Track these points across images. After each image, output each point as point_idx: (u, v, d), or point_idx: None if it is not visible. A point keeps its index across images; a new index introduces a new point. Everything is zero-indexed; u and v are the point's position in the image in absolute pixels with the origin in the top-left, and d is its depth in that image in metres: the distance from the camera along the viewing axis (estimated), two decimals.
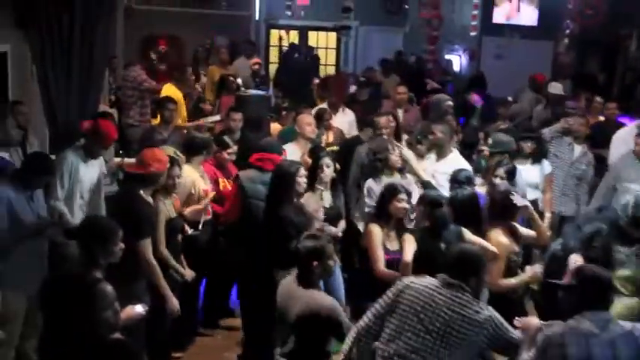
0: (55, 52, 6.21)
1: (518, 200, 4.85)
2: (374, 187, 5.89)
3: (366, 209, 5.93)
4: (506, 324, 3.61)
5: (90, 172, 5.73)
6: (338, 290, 5.60)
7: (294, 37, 14.60)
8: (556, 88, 9.66)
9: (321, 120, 7.38)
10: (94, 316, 2.87)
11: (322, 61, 15.17)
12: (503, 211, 4.90)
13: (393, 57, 13.26)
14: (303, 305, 3.80)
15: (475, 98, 9.37)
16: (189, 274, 5.24)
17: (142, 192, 4.83)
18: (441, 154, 6.36)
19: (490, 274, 4.36)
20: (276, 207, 5.10)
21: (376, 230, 4.98)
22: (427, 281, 3.66)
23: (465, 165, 6.26)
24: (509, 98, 9.73)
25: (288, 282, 4.05)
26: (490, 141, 6.52)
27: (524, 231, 4.99)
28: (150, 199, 4.90)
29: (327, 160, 5.64)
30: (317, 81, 10.69)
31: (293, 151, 6.41)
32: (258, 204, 5.39)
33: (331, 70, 15.44)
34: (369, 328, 3.70)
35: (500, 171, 5.86)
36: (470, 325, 3.50)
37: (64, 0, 6.10)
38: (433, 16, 12.63)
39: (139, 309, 3.87)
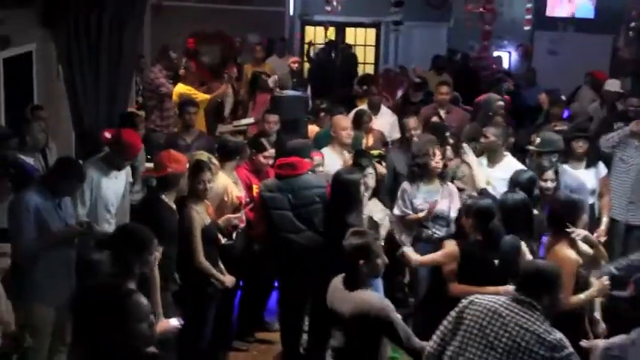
0: (83, 51, 6.33)
1: (577, 233, 4.79)
2: (409, 189, 5.87)
3: (395, 211, 5.93)
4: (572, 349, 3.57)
5: (114, 184, 5.70)
6: None
7: (331, 33, 14.60)
8: (613, 85, 9.51)
9: (361, 123, 7.38)
10: (128, 328, 2.92)
11: (360, 59, 15.14)
12: (565, 222, 4.80)
13: (446, 54, 13.22)
14: (352, 306, 3.83)
15: (543, 98, 9.24)
16: (229, 280, 5.29)
17: (164, 197, 4.91)
18: (494, 159, 6.31)
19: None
20: (342, 215, 5.13)
21: (456, 250, 4.97)
22: (492, 297, 3.64)
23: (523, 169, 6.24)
24: (563, 97, 9.60)
25: (336, 283, 4.07)
26: (538, 140, 6.41)
27: (583, 247, 4.92)
28: (173, 205, 4.96)
29: (366, 163, 5.75)
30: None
31: (330, 156, 6.43)
32: (281, 214, 5.46)
33: (370, 69, 15.44)
34: (435, 351, 3.67)
35: (549, 174, 5.80)
36: (539, 343, 3.45)
37: (93, 1, 6.21)
38: (487, 10, 12.45)
39: (174, 322, 3.93)
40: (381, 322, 3.80)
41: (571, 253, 4.70)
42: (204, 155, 5.51)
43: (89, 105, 6.40)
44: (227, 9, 12.98)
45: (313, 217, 5.45)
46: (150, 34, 11.67)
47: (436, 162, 5.83)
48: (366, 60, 15.44)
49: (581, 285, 4.70)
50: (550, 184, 5.77)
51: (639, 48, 12.79)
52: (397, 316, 3.87)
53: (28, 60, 7.19)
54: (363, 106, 8.63)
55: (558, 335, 3.48)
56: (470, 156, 6.10)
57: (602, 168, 6.67)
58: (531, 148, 6.46)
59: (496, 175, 6.03)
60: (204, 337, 5.21)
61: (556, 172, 5.90)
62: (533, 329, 3.47)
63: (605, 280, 4.67)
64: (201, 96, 8.71)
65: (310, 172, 5.70)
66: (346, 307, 3.87)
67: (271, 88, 9.01)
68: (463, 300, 3.69)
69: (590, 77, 10.69)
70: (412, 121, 6.88)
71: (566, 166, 6.36)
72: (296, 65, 10.67)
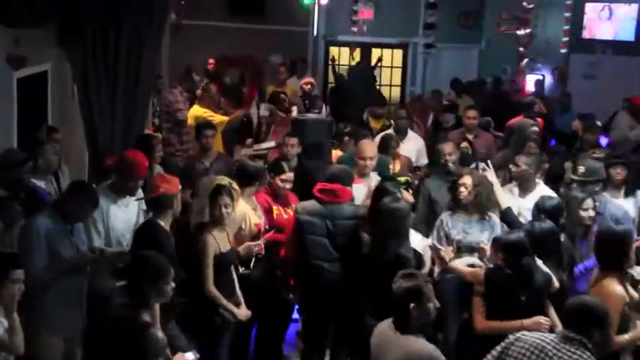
0: (99, 71, 6.40)
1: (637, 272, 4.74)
2: (445, 220, 5.84)
3: (430, 241, 5.88)
4: None
5: (124, 213, 5.54)
6: None
7: (357, 54, 14.65)
8: None
9: (388, 148, 7.36)
10: None
11: (386, 82, 15.19)
12: (617, 257, 4.76)
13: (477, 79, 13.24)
14: (400, 353, 3.77)
15: (576, 124, 9.21)
16: (243, 313, 5.26)
17: (159, 221, 4.96)
18: (525, 189, 6.27)
19: None
20: (390, 245, 5.09)
21: (482, 273, 4.91)
22: (541, 334, 3.59)
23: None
24: (598, 123, 9.50)
25: (383, 327, 4.03)
26: (582, 169, 6.32)
27: (630, 290, 4.83)
28: (167, 228, 4.99)
29: (391, 190, 5.56)
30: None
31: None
32: (315, 239, 5.46)
33: (396, 92, 15.46)
34: None
35: (589, 202, 5.72)
36: None
37: (111, 19, 6.29)
38: (523, 30, 12.37)
39: (190, 356, 3.92)
40: None
41: (619, 290, 4.65)
42: (225, 180, 5.53)
43: (105, 126, 6.46)
44: (248, 28, 13.08)
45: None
46: (168, 54, 11.78)
47: (461, 191, 5.78)
48: (392, 82, 15.44)
49: (622, 325, 4.63)
50: (591, 213, 5.70)
51: None
52: None
53: (43, 79, 7.28)
54: (390, 130, 8.63)
55: None
56: (490, 174, 6.02)
57: None
58: (575, 177, 6.34)
59: (527, 206, 5.96)
60: None
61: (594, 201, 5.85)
62: None
63: None
64: (218, 118, 8.75)
65: (350, 202, 5.71)
66: (394, 353, 3.81)
67: (289, 109, 9.06)
68: (510, 336, 3.65)
69: (628, 103, 10.62)
70: (448, 147, 6.83)
71: (608, 195, 6.29)
72: (308, 87, 10.64)
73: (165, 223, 5.02)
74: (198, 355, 4.04)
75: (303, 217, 5.53)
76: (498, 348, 3.62)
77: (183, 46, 12.29)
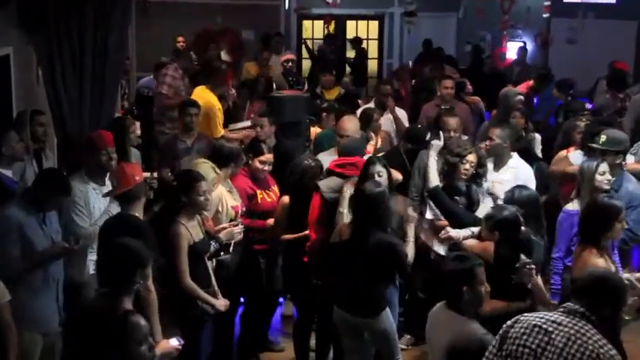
0: (64, 56, 6.32)
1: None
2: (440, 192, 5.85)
3: (427, 215, 5.92)
4: None
5: (103, 203, 5.42)
6: None
7: (332, 28, 14.62)
8: None
9: (369, 122, 7.35)
10: (128, 351, 2.93)
11: None
12: (598, 230, 4.84)
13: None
14: (452, 336, 3.78)
15: (557, 93, 9.30)
16: (222, 304, 5.23)
17: (134, 213, 4.91)
18: (499, 163, 6.23)
19: None
20: (372, 230, 5.01)
21: (492, 248, 4.89)
22: (540, 313, 3.59)
23: (528, 171, 6.21)
24: (586, 110, 9.47)
25: (435, 310, 4.09)
26: (604, 137, 6.06)
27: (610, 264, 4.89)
28: (141, 217, 4.97)
29: (378, 168, 5.47)
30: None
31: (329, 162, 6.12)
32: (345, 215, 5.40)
33: (373, 64, 15.46)
34: None
35: (604, 166, 5.60)
36: (592, 358, 3.32)
37: (74, 3, 6.23)
38: None
39: (174, 342, 3.94)
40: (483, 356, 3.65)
41: (600, 262, 4.70)
42: (207, 164, 5.49)
43: (73, 111, 6.39)
44: (218, 4, 13.01)
45: None
46: (135, 34, 11.67)
47: (465, 168, 5.78)
48: (368, 55, 15.42)
49: None
50: (608, 177, 5.58)
51: None
52: None
53: (6, 64, 7.20)
54: (370, 104, 8.65)
55: (613, 351, 3.35)
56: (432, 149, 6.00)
57: (629, 160, 6.66)
58: (595, 146, 6.08)
59: (498, 178, 6.02)
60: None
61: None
62: (581, 342, 3.36)
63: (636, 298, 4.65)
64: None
65: None
66: (444, 335, 3.83)
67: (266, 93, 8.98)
68: (508, 322, 3.62)
69: (609, 68, 10.66)
70: (454, 122, 6.69)
71: (628, 173, 6.20)
72: (289, 65, 10.51)
73: (138, 213, 4.96)
74: (182, 341, 4.06)
75: (330, 195, 5.48)
76: (497, 337, 3.62)
77: (151, 25, 12.19)
